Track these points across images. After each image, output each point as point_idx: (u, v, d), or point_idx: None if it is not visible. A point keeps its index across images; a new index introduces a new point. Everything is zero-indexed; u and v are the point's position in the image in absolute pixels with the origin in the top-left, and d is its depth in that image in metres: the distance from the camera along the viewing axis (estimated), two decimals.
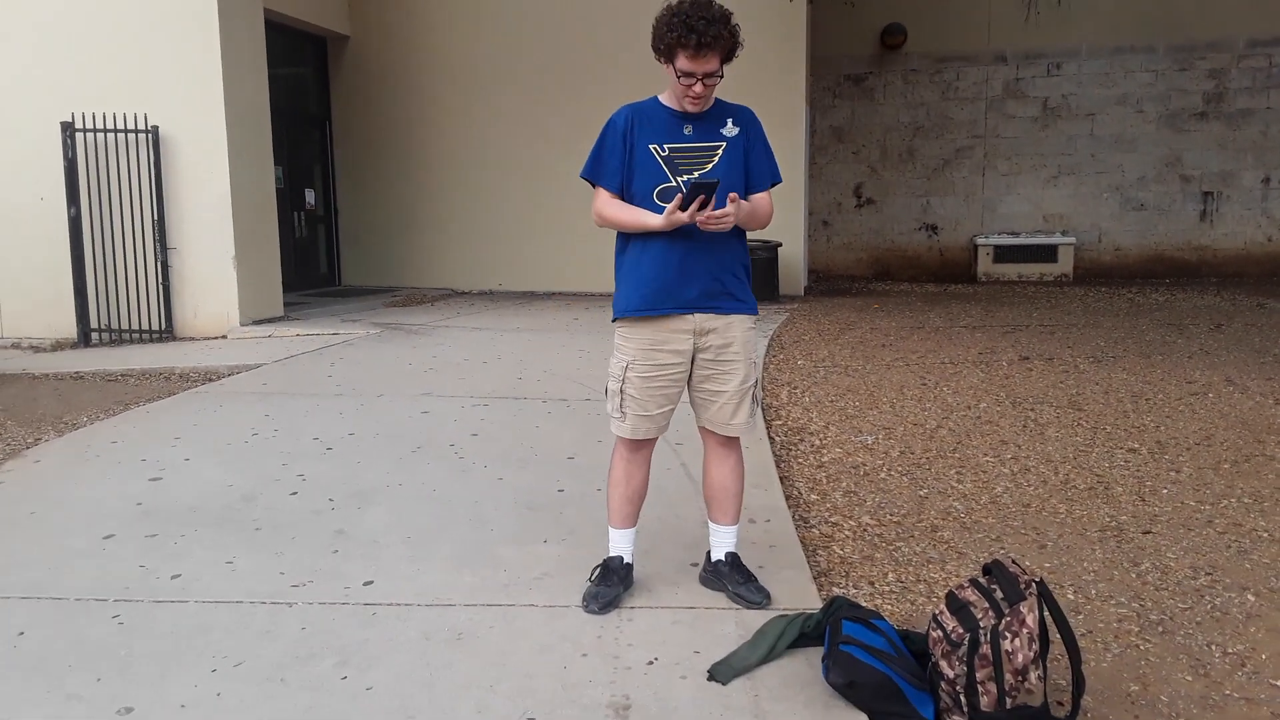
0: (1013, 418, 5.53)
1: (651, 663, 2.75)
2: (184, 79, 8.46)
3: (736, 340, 3.04)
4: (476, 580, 3.32)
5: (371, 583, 3.31)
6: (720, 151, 2.98)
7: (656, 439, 3.16)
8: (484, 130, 12.15)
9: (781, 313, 9.93)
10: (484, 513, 3.97)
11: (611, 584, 3.10)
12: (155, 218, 8.52)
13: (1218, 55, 12.94)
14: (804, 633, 2.78)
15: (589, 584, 3.14)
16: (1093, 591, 3.31)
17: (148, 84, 8.46)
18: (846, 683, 2.49)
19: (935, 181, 13.82)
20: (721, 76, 2.89)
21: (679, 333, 3.00)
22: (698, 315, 3.00)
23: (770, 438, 5.10)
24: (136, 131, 8.39)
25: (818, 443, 5.12)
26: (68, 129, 8.33)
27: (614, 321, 3.10)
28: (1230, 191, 13.16)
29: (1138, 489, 4.35)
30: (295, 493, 4.22)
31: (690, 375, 3.07)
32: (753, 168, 3.05)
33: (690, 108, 2.95)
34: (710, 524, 3.25)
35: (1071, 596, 3.27)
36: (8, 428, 5.53)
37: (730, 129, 3.00)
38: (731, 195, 2.87)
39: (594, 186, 3.06)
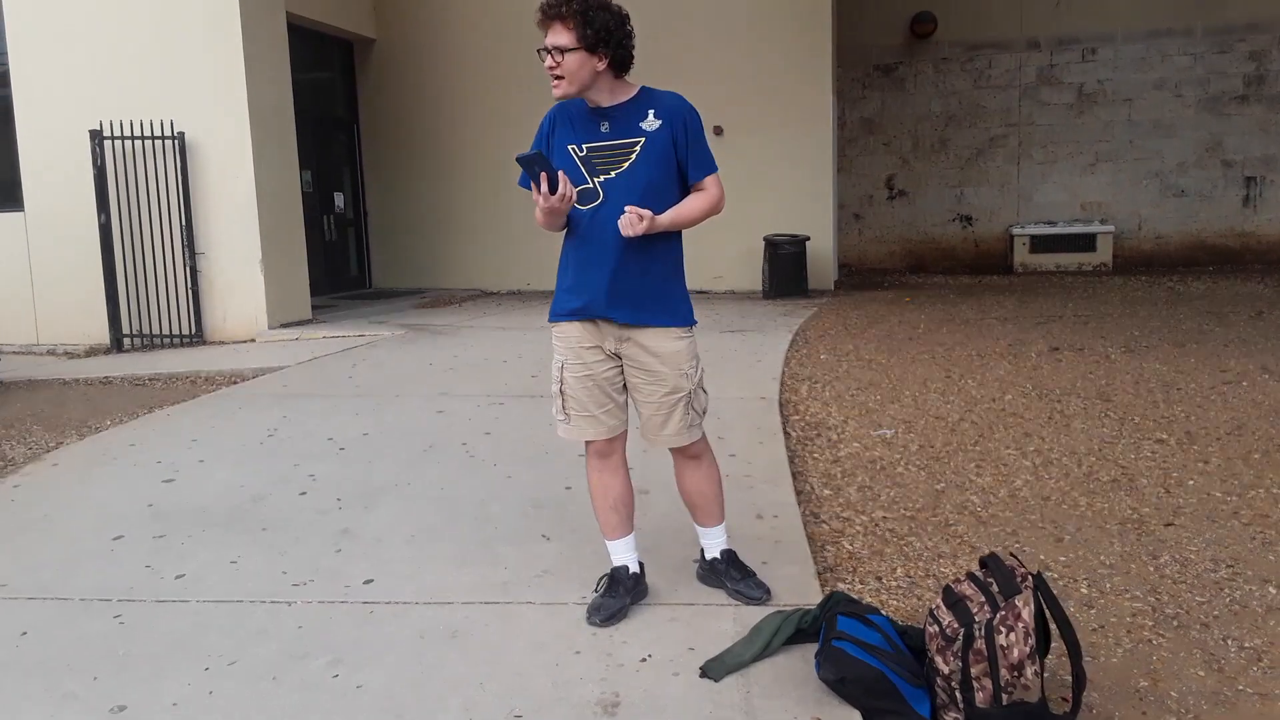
0: (1038, 410, 5.40)
1: (645, 660, 2.70)
2: (208, 85, 8.55)
3: (661, 350, 2.88)
4: (476, 578, 3.30)
5: (372, 581, 3.30)
6: (638, 148, 2.77)
7: (620, 443, 3.02)
8: (511, 130, 12.15)
9: (809, 307, 9.82)
10: (489, 511, 3.95)
11: (617, 595, 2.96)
12: (183, 223, 8.62)
13: (1257, 37, 12.59)
14: (800, 629, 2.72)
15: (594, 595, 3.02)
16: (1107, 585, 3.21)
17: (173, 91, 8.56)
18: (838, 679, 2.42)
19: (969, 171, 13.59)
20: (567, 52, 2.67)
21: (603, 333, 2.89)
22: (615, 324, 2.86)
23: (786, 433, 5.02)
24: (163, 138, 8.49)
25: (835, 437, 5.03)
26: (96, 137, 8.45)
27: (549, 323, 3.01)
28: (1274, 176, 12.78)
29: (1163, 480, 4.22)
30: (304, 493, 4.23)
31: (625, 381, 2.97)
32: (683, 159, 2.82)
33: (554, 90, 2.73)
34: (696, 528, 3.16)
35: (1085, 590, 3.17)
36: (33, 432, 5.61)
37: (651, 122, 2.77)
38: (641, 211, 2.68)
39: None
